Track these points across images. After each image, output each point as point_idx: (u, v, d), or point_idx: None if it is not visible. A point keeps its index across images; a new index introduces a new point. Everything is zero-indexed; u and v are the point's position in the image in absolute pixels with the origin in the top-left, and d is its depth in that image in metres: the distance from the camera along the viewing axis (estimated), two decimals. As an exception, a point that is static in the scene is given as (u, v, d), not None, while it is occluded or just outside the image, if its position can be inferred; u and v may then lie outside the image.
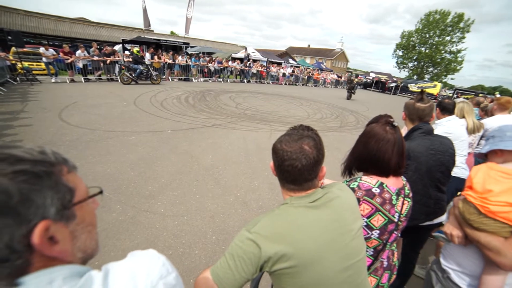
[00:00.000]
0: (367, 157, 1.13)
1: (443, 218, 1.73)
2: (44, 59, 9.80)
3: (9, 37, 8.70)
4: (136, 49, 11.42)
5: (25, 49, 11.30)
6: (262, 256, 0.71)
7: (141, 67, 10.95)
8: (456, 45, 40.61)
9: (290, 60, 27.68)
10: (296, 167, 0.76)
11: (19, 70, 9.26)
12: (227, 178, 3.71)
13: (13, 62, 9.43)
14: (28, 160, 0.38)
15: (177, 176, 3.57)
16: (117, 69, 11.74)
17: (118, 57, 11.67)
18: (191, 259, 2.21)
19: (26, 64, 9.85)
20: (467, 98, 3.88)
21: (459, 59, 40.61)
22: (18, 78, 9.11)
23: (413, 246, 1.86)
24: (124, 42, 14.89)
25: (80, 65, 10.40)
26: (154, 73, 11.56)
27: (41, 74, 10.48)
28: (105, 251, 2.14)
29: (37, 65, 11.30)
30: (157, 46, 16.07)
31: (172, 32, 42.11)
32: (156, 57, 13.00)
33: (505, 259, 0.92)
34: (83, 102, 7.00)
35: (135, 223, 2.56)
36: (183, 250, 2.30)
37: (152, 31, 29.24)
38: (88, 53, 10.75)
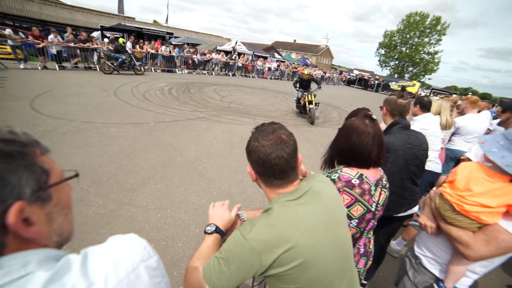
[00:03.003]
0: (349, 150, 1.16)
1: (415, 209, 1.84)
2: (9, 42, 8.94)
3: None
4: (121, 39, 10.95)
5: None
6: (263, 263, 0.69)
7: (123, 56, 10.46)
8: (434, 47, 42.74)
9: (276, 55, 27.65)
10: (282, 157, 0.76)
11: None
12: (211, 171, 3.69)
13: None
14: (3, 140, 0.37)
15: (160, 169, 3.50)
16: (95, 58, 11.11)
17: (97, 44, 11.03)
18: (175, 252, 2.19)
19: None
20: (441, 97, 4.14)
21: (436, 60, 42.81)
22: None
23: (386, 236, 1.97)
24: (103, 29, 14.12)
25: (54, 51, 9.70)
26: (137, 63, 11.08)
27: (6, 59, 9.59)
28: (84, 245, 2.05)
29: (1, 48, 10.31)
30: (139, 35, 15.38)
31: (155, 21, 40.42)
32: (138, 46, 12.45)
33: (472, 251, 1.01)
34: (58, 91, 6.58)
35: (116, 216, 2.49)
36: (166, 243, 2.27)
37: (134, 18, 27.89)
38: (62, 38, 10.05)
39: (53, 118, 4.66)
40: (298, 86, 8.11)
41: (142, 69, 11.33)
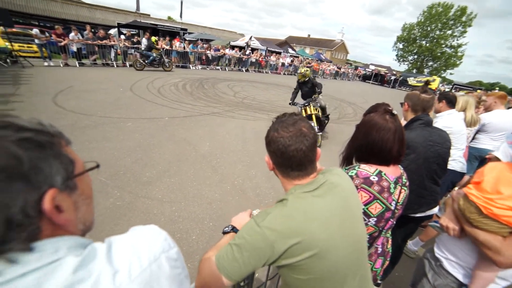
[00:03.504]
0: (368, 147, 1.13)
1: (435, 210, 1.77)
2: (36, 41, 9.45)
3: (-4, 16, 8.31)
4: (154, 38, 11.80)
5: (14, 30, 10.86)
6: (275, 252, 0.70)
7: (154, 54, 11.09)
8: (457, 40, 40.38)
9: (290, 50, 27.25)
10: (301, 150, 0.76)
11: (10, 52, 8.92)
12: (224, 166, 3.72)
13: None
14: (30, 129, 0.38)
15: (175, 163, 3.56)
16: (112, 54, 11.43)
17: (114, 41, 11.34)
18: (189, 244, 2.23)
19: (16, 46, 9.46)
20: (465, 93, 3.91)
21: (459, 54, 40.50)
22: (8, 60, 8.80)
23: (403, 236, 1.91)
24: (119, 26, 14.47)
25: (74, 48, 10.09)
26: (166, 60, 11.65)
27: (33, 57, 10.13)
28: (102, 236, 2.14)
29: (28, 47, 10.90)
30: (154, 31, 15.64)
31: (169, 17, 40.96)
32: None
33: (503, 258, 0.94)
34: (78, 87, 6.84)
35: (132, 208, 2.57)
36: (180, 235, 2.32)
37: (149, 15, 28.38)
38: (82, 36, 10.41)
39: (73, 113, 4.86)
40: (295, 97, 5.64)
41: (170, 66, 11.87)
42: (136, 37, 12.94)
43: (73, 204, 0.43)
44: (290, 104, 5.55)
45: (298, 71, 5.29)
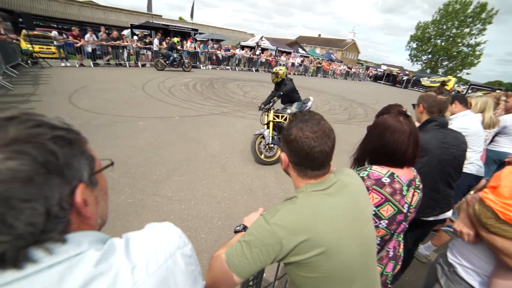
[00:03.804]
0: (383, 149, 1.10)
1: (448, 214, 1.71)
2: (55, 42, 9.85)
3: (20, 20, 8.71)
4: (176, 39, 12.34)
5: (35, 32, 11.35)
6: (284, 249, 0.70)
7: (175, 55, 11.59)
8: (475, 38, 38.70)
9: (300, 50, 27.05)
10: (325, 151, 0.76)
11: (31, 54, 9.32)
12: (233, 165, 3.74)
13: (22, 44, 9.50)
14: (61, 127, 0.41)
15: (184, 162, 3.61)
16: (125, 54, 11.71)
17: (127, 42, 11.62)
18: (197, 243, 2.26)
19: (37, 48, 9.90)
20: (483, 94, 3.74)
21: (477, 52, 38.83)
22: (29, 61, 9.20)
23: (413, 239, 1.86)
24: (132, 27, 14.78)
25: (89, 49, 10.41)
26: (186, 61, 12.10)
27: (51, 58, 10.55)
28: (115, 231, 2.21)
29: (47, 48, 11.36)
30: (165, 31, 15.90)
31: (180, 18, 41.55)
32: (164, 43, 12.88)
33: None
34: (92, 86, 7.05)
35: (143, 206, 2.62)
36: (189, 233, 2.35)
37: (161, 16, 28.90)
38: (97, 37, 10.73)
39: (87, 112, 5.01)
40: (269, 101, 4.25)
41: (190, 67, 12.27)
42: (148, 38, 13.20)
43: (95, 198, 0.46)
44: (259, 108, 4.27)
45: (276, 70, 4.26)
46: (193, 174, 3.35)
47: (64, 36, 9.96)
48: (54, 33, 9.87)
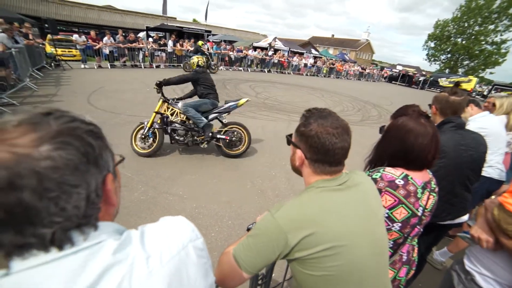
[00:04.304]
0: (405, 153, 1.06)
1: (464, 219, 1.64)
2: (78, 46, 10.33)
3: (46, 25, 9.22)
4: (200, 42, 13.05)
5: (58, 36, 11.95)
6: (289, 243, 0.69)
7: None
8: (501, 35, 36.46)
9: (313, 51, 26.80)
10: (345, 147, 0.77)
11: (55, 57, 9.80)
12: (244, 165, 3.75)
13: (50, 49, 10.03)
14: (90, 123, 0.44)
15: (196, 161, 3.67)
16: (141, 56, 12.06)
17: (142, 44, 11.97)
18: (207, 241, 2.28)
19: (59, 51, 10.42)
20: (509, 94, 3.52)
21: (503, 50, 36.63)
22: (53, 64, 9.69)
23: (427, 244, 1.79)
24: (148, 29, 15.21)
25: (107, 51, 10.80)
26: (212, 63, 12.52)
27: (72, 60, 11.08)
28: (128, 227, 2.27)
29: (68, 51, 11.94)
30: (180, 33, 16.23)
31: (194, 20, 42.32)
32: (178, 44, 13.16)
33: None
34: (109, 87, 7.31)
35: (155, 203, 2.68)
36: (200, 232, 2.37)
37: (175, 18, 29.53)
38: (114, 39, 11.12)
39: (104, 112, 5.20)
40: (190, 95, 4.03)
41: (216, 69, 12.74)
42: (163, 40, 13.52)
43: (116, 189, 0.49)
44: (156, 84, 3.69)
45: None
46: (204, 173, 3.39)
47: (84, 39, 10.40)
48: (75, 36, 10.32)
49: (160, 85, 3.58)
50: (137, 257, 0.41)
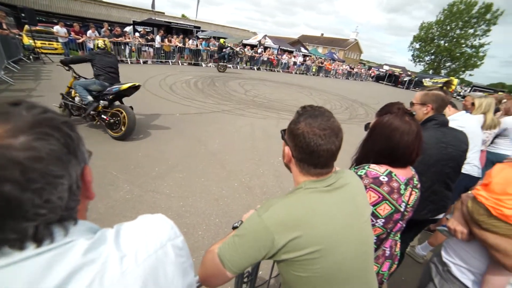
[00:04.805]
0: (391, 151, 1.08)
1: (441, 216, 1.71)
2: (60, 40, 9.86)
3: (23, 15, 8.70)
4: (222, 39, 13.87)
5: (37, 28, 11.36)
6: (275, 244, 0.68)
7: (227, 51, 13.25)
8: (479, 39, 38.41)
9: (302, 49, 26.97)
10: (331, 150, 0.74)
11: (33, 49, 9.32)
12: (232, 163, 3.73)
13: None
14: (62, 114, 0.43)
15: (184, 159, 3.61)
16: (127, 51, 11.71)
17: (129, 38, 11.62)
18: (194, 239, 2.26)
19: (39, 43, 9.91)
20: (485, 95, 3.74)
21: (481, 54, 38.55)
22: (31, 57, 9.22)
23: (406, 238, 1.85)
24: (135, 23, 14.77)
25: (91, 45, 10.39)
26: (237, 49, 13.98)
27: (53, 54, 10.58)
28: (111, 227, 2.21)
29: (49, 44, 11.39)
30: (168, 29, 15.87)
31: (183, 15, 41.50)
32: (166, 40, 12.87)
33: None
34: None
35: (141, 202, 2.62)
36: (186, 230, 2.35)
37: (163, 13, 28.85)
38: (99, 33, 10.73)
39: (89, 108, 5.00)
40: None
41: (243, 52, 14.28)
42: (150, 35, 13.19)
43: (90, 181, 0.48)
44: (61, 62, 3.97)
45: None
46: (192, 171, 3.35)
47: (66, 31, 9.94)
48: (56, 28, 9.84)
49: (63, 63, 3.92)
50: (110, 257, 0.39)
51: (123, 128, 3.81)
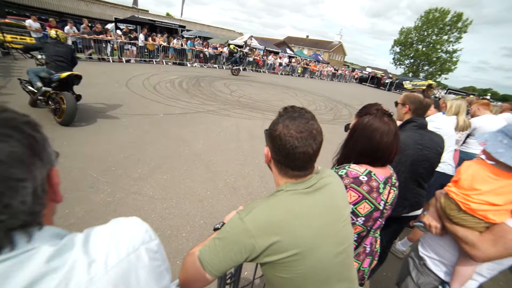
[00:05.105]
0: (371, 151, 1.11)
1: (418, 212, 1.78)
2: (33, 34, 9.25)
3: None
4: (232, 46, 14.98)
5: (6, 20, 10.65)
6: (256, 248, 0.68)
7: (237, 55, 14.37)
8: (453, 45, 40.92)
9: (288, 50, 27.28)
10: (308, 153, 0.73)
11: (2, 44, 8.72)
12: (217, 164, 3.70)
13: None
14: (24, 114, 0.40)
15: (168, 160, 3.54)
16: (109, 49, 11.29)
17: (111, 36, 11.20)
18: (178, 242, 2.22)
19: (9, 37, 9.27)
20: (458, 98, 3.97)
21: (454, 59, 41.07)
22: (0, 52, 8.62)
23: (388, 237, 1.91)
24: (117, 21, 14.30)
25: (69, 42, 9.93)
26: (245, 51, 15.12)
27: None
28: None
29: (21, 38, 10.68)
30: (152, 27, 15.49)
31: (168, 14, 40.65)
32: (150, 38, 12.55)
33: (478, 252, 0.98)
34: (72, 80, 6.73)
35: (123, 204, 2.54)
36: (170, 232, 2.30)
37: (147, 11, 28.13)
38: (78, 30, 10.26)
39: (66, 107, 4.77)
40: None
41: (253, 53, 15.37)
42: (133, 33, 12.79)
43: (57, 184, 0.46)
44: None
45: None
46: (176, 172, 3.29)
47: (39, 25, 9.33)
48: (28, 21, 9.22)
49: (22, 51, 4.53)
50: (77, 263, 0.37)
51: (62, 116, 3.96)
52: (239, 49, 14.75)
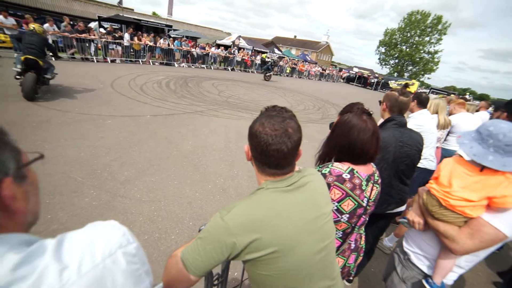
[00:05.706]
0: (349, 147, 1.14)
1: (403, 208, 1.85)
2: (7, 31, 8.77)
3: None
4: (264, 55, 17.82)
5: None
6: (237, 246, 0.69)
7: (269, 64, 16.40)
8: (434, 46, 42.63)
9: (276, 50, 27.41)
10: (282, 151, 0.74)
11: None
12: (206, 165, 3.68)
13: None
14: None
15: (155, 162, 3.48)
16: (92, 49, 10.94)
17: (94, 35, 10.87)
18: (167, 244, 2.19)
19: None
20: (440, 97, 4.16)
21: (436, 59, 42.76)
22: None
23: (374, 234, 1.97)
24: (100, 19, 13.88)
25: (50, 40, 9.54)
26: (274, 60, 18.10)
27: (1, 47, 9.45)
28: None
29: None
30: (138, 26, 15.15)
31: (154, 13, 39.84)
32: (136, 38, 12.28)
33: (457, 245, 1.03)
34: (53, 81, 6.46)
35: (109, 208, 2.48)
36: (159, 235, 2.27)
37: (132, 10, 27.46)
38: (59, 27, 9.88)
39: (47, 109, 4.61)
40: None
41: (269, 79, 15.85)
42: (118, 32, 12.47)
43: (25, 193, 0.43)
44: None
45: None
46: (164, 174, 3.24)
47: (14, 22, 8.73)
48: (-1, 17, 8.64)
49: (17, 39, 5.81)
50: (47, 270, 0.35)
51: (23, 90, 4.75)
52: (270, 58, 17.92)
